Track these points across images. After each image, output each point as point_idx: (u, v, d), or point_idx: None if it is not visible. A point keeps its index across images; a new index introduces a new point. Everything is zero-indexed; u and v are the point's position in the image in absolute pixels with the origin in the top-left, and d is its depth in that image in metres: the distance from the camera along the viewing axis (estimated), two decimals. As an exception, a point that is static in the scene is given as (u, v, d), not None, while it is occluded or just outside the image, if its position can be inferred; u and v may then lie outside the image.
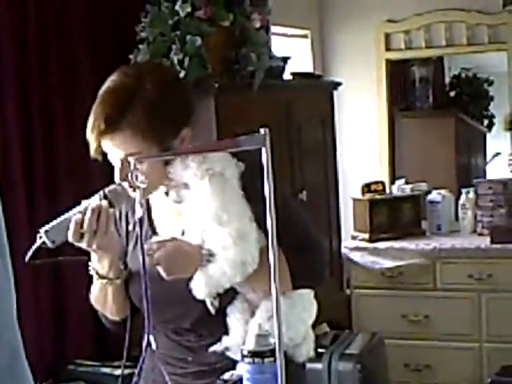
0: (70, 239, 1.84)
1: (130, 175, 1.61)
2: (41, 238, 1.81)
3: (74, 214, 1.84)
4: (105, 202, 1.83)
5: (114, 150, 1.86)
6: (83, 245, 1.86)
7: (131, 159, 1.66)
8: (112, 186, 1.87)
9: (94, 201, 1.85)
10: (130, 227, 2.06)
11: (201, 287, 1.82)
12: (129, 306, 2.02)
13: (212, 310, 1.87)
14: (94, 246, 1.87)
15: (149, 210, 2.06)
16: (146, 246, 1.76)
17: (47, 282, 3.23)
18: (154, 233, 2.01)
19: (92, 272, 1.99)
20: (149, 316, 1.59)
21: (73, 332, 3.35)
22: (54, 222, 1.84)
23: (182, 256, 1.81)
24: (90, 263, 1.97)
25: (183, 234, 1.90)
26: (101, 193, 1.86)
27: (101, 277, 1.97)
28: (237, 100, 3.48)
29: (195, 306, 1.87)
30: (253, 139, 1.45)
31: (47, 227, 1.82)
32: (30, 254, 1.79)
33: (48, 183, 3.22)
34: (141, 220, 1.63)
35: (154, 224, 2.04)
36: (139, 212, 1.61)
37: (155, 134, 1.84)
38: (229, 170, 1.85)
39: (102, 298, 2.02)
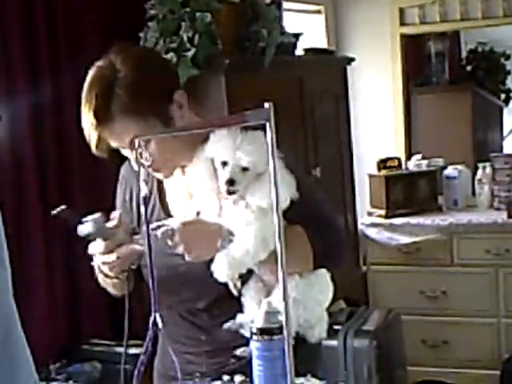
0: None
1: (136, 154, 1.60)
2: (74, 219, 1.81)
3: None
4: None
5: (119, 140, 1.87)
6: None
7: (136, 140, 1.65)
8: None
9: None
10: (142, 209, 2.05)
11: (223, 269, 1.80)
12: (131, 287, 2.02)
13: (235, 292, 1.87)
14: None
15: (163, 192, 2.06)
16: (163, 228, 1.75)
17: (61, 261, 3.23)
18: (169, 216, 2.00)
19: (94, 265, 1.99)
20: (155, 295, 1.58)
21: (87, 311, 3.35)
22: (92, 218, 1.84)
23: (205, 236, 1.80)
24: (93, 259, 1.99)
25: (198, 215, 1.89)
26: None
27: (102, 273, 1.98)
28: (248, 77, 3.44)
29: (213, 287, 1.86)
30: (257, 114, 1.42)
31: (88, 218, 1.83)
32: (57, 211, 1.78)
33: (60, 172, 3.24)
34: (145, 199, 1.62)
35: (169, 207, 2.04)
36: (144, 190, 1.60)
37: (148, 109, 1.84)
38: None
39: (104, 283, 2.04)
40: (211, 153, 1.86)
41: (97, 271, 2.02)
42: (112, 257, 1.85)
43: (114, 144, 1.89)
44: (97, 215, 1.83)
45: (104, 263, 1.87)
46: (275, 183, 1.38)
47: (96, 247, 1.86)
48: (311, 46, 4.36)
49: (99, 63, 1.88)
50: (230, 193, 1.83)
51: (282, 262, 1.36)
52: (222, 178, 1.83)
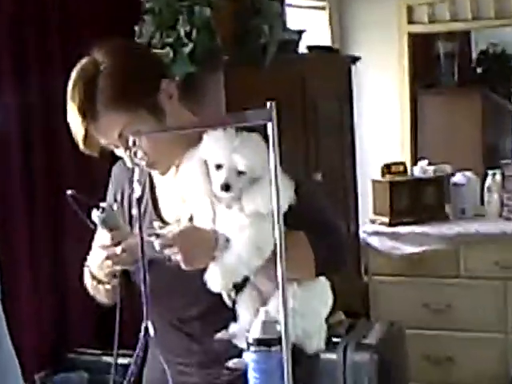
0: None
1: (129, 152, 1.60)
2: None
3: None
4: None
5: (107, 136, 1.88)
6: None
7: (130, 138, 1.65)
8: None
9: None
10: (134, 211, 2.06)
11: (217, 279, 1.80)
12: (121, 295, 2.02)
13: (229, 303, 1.88)
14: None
15: (155, 194, 2.07)
16: (156, 232, 1.76)
17: (48, 267, 3.23)
18: (161, 219, 2.00)
19: (86, 270, 2.00)
20: (147, 301, 1.58)
21: (74, 319, 3.35)
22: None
23: (203, 245, 1.80)
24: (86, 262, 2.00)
25: (191, 219, 1.89)
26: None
27: (92, 277, 1.99)
28: (248, 75, 3.45)
29: (206, 295, 1.85)
30: (259, 113, 1.42)
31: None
32: (71, 192, 1.79)
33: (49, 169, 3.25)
34: (139, 200, 1.63)
35: (160, 209, 2.04)
36: (138, 191, 1.60)
37: (133, 100, 1.86)
38: None
39: (94, 290, 2.05)
40: (205, 154, 1.85)
41: (87, 277, 2.02)
42: (118, 249, 1.86)
43: (103, 141, 1.90)
44: (106, 203, 1.86)
45: (108, 258, 1.88)
46: (277, 188, 1.38)
47: (104, 238, 1.88)
48: (314, 44, 4.37)
49: (82, 61, 1.91)
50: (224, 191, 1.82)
51: (282, 269, 1.36)
52: (217, 182, 1.81)
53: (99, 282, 1.99)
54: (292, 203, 1.81)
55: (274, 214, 1.41)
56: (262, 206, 1.79)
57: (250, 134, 1.81)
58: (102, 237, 1.90)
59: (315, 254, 1.89)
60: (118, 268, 1.93)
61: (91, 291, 2.07)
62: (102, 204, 1.84)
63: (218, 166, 1.82)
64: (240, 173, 1.81)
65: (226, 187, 1.80)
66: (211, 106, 3.29)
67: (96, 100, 1.83)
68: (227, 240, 1.81)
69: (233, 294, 1.87)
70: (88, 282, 2.05)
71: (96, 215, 1.84)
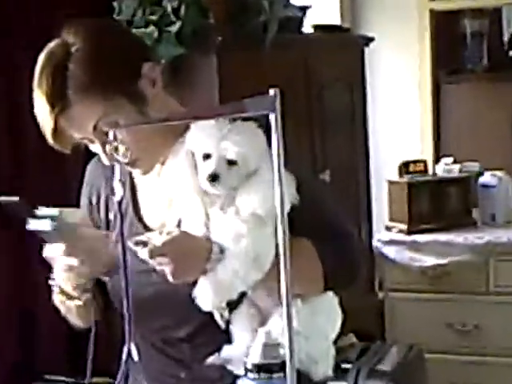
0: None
1: (108, 147, 1.61)
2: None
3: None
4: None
5: (81, 128, 1.88)
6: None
7: (110, 132, 1.65)
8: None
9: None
10: (111, 216, 2.07)
11: (208, 296, 1.80)
12: (97, 315, 2.03)
13: (221, 324, 1.88)
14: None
15: (134, 195, 2.07)
16: (142, 240, 1.75)
17: (10, 282, 3.23)
18: (143, 225, 2.01)
19: (52, 284, 2.00)
20: (130, 320, 1.58)
21: (42, 341, 3.35)
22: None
23: (194, 255, 1.80)
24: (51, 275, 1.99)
25: (179, 225, 1.89)
26: None
27: (62, 292, 2.00)
28: (244, 58, 3.46)
29: (195, 313, 1.85)
30: (259, 102, 1.43)
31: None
32: (5, 200, 1.79)
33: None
34: (120, 203, 1.62)
35: (141, 213, 2.05)
36: (119, 192, 1.60)
37: (110, 86, 1.86)
38: None
39: (65, 309, 2.05)
40: (192, 145, 1.85)
41: (55, 293, 2.02)
42: (74, 261, 1.86)
43: (75, 135, 1.90)
44: (55, 209, 1.83)
45: (67, 270, 1.89)
46: (281, 190, 1.39)
47: (54, 249, 1.87)
48: (321, 23, 4.38)
49: (51, 43, 1.91)
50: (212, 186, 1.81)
51: (286, 282, 1.36)
52: (204, 174, 1.81)
53: (69, 297, 1.99)
54: (295, 203, 1.80)
55: (277, 216, 1.41)
56: (259, 207, 1.79)
57: (244, 122, 1.82)
58: (56, 246, 1.88)
59: (322, 265, 1.89)
60: (83, 281, 1.94)
61: (62, 310, 2.07)
62: (41, 211, 1.83)
63: (207, 156, 1.82)
64: (231, 163, 1.80)
65: (214, 178, 1.79)
66: (202, 93, 3.29)
67: (67, 87, 1.84)
68: (221, 250, 1.81)
69: (226, 313, 1.86)
70: (56, 298, 2.05)
71: (34, 227, 1.81)
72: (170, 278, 1.77)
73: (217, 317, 1.86)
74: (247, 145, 1.80)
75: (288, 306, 1.38)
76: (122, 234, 1.67)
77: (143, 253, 1.73)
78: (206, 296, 1.80)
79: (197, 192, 1.85)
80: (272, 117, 1.40)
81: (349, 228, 2.01)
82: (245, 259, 1.79)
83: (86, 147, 1.97)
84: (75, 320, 2.07)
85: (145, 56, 1.96)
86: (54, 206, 1.85)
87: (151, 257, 1.73)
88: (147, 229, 1.97)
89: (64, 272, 1.91)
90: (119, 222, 1.66)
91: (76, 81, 1.84)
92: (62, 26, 1.91)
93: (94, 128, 1.87)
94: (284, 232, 1.34)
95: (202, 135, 1.83)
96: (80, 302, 1.99)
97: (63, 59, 1.85)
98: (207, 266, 1.79)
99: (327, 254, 1.90)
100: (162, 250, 1.74)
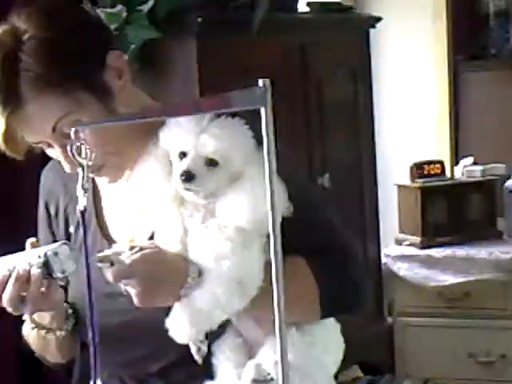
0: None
1: (69, 149, 1.59)
2: None
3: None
4: (37, 271, 1.83)
5: (36, 130, 1.87)
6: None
7: (72, 130, 1.64)
8: (55, 246, 1.85)
9: (23, 263, 1.85)
10: (72, 228, 2.07)
11: (183, 327, 1.78)
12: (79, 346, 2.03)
13: (198, 359, 1.86)
14: (28, 312, 1.93)
15: (97, 205, 2.08)
16: (108, 256, 1.74)
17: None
18: (107, 238, 2.02)
19: (26, 319, 2.01)
20: (95, 353, 1.57)
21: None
22: None
23: (168, 276, 1.79)
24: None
25: (152, 238, 1.89)
26: (40, 252, 1.85)
27: (39, 326, 2.01)
28: (229, 43, 3.47)
29: (169, 345, 1.83)
30: (247, 96, 1.42)
31: None
32: None
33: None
34: (83, 213, 1.61)
35: (107, 226, 2.05)
36: (82, 201, 1.58)
37: (69, 79, 1.84)
38: None
39: (42, 345, 2.06)
40: (167, 143, 1.85)
41: (26, 329, 2.04)
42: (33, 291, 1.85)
43: (30, 138, 1.89)
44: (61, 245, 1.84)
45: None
46: (272, 199, 1.38)
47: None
48: (318, 0, 4.38)
49: None
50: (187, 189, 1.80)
51: (280, 310, 1.35)
52: (177, 172, 1.80)
53: (47, 330, 2.01)
54: (287, 214, 1.79)
55: (265, 231, 1.41)
56: (243, 219, 1.78)
57: (227, 117, 1.81)
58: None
59: (320, 288, 1.89)
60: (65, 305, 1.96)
61: (37, 349, 2.09)
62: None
63: (183, 155, 1.81)
64: (211, 163, 1.79)
65: (188, 177, 1.77)
66: (178, 86, 3.29)
67: (19, 80, 1.83)
68: (200, 273, 1.79)
69: (204, 346, 1.85)
70: (30, 335, 2.06)
71: (36, 262, 1.82)
72: (136, 302, 1.76)
73: (193, 350, 1.85)
74: (230, 141, 1.79)
75: (281, 336, 1.37)
76: (86, 248, 1.66)
77: (108, 273, 1.72)
78: (180, 327, 1.78)
79: (172, 200, 1.84)
80: (262, 112, 1.39)
81: (351, 243, 2.01)
82: (227, 283, 1.77)
83: (43, 152, 1.95)
84: (54, 357, 2.09)
85: (110, 43, 1.96)
86: None
87: (116, 280, 1.73)
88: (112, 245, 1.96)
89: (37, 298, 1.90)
90: (83, 235, 1.64)
91: (30, 74, 1.83)
92: (9, 10, 1.89)
93: (53, 130, 1.86)
94: (276, 251, 1.33)
95: (179, 131, 1.82)
96: (63, 333, 2.01)
97: (13, 49, 1.84)
98: (182, 291, 1.78)
99: (325, 274, 1.90)
100: (130, 272, 1.73)
